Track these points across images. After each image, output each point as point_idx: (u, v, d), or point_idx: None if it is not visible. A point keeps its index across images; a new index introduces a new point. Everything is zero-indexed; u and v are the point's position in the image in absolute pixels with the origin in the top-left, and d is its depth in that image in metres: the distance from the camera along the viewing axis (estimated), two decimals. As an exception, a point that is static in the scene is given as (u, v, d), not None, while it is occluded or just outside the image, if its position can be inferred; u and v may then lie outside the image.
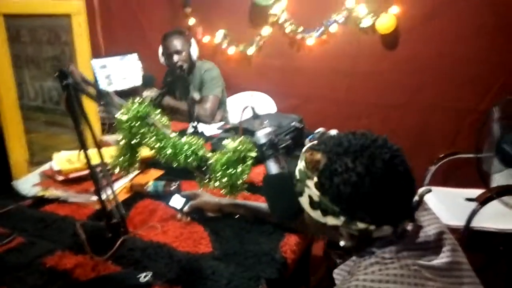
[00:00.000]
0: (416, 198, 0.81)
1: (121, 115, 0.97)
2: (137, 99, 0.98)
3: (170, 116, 2.54)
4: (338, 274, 0.86)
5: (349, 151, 0.76)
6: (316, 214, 0.80)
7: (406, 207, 0.79)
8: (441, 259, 0.79)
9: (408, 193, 0.79)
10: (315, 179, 0.78)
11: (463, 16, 2.50)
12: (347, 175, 0.74)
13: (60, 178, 1.60)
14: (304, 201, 0.83)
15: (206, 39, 3.33)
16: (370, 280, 0.73)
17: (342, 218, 0.77)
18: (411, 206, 0.80)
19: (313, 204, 0.80)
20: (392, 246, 0.77)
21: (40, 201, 1.48)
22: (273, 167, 0.93)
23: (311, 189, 0.79)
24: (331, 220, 0.78)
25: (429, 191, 0.83)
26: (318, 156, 0.79)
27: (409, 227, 0.80)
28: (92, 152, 1.18)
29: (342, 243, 0.81)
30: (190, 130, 2.28)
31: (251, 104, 0.98)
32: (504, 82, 2.48)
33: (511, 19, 2.39)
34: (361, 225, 0.76)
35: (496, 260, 1.98)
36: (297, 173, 0.84)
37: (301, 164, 0.84)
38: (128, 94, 3.10)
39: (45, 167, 1.70)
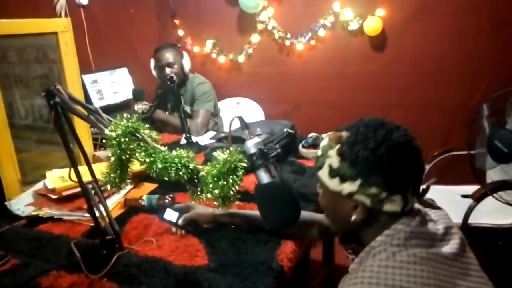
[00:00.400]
0: (423, 186, 0.87)
1: (110, 132, 0.97)
2: (126, 114, 0.98)
3: (161, 129, 2.55)
4: (351, 269, 0.89)
5: (369, 125, 0.85)
6: (334, 183, 0.85)
7: (416, 182, 0.85)
8: (449, 250, 0.84)
9: (418, 167, 0.85)
10: (337, 147, 0.85)
11: (447, 16, 2.54)
12: (366, 142, 0.82)
13: (54, 196, 1.59)
14: (323, 173, 0.88)
15: (196, 49, 3.34)
16: (377, 265, 0.79)
17: (358, 182, 0.82)
18: (419, 184, 0.85)
19: (332, 172, 0.85)
20: (401, 233, 0.82)
21: (35, 220, 1.46)
22: (264, 177, 0.93)
23: (331, 158, 0.85)
24: (347, 187, 0.83)
25: (436, 181, 0.92)
26: (342, 133, 0.87)
27: (418, 217, 0.85)
28: (84, 169, 1.18)
29: (353, 217, 0.86)
30: (183, 141, 2.28)
31: (239, 114, 0.98)
32: (492, 79, 2.51)
33: (493, 18, 2.43)
34: (374, 190, 0.81)
35: (496, 255, 1.98)
36: (319, 151, 0.90)
37: (324, 141, 0.90)
38: (120, 108, 3.10)
39: (38, 186, 1.69)
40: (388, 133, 0.83)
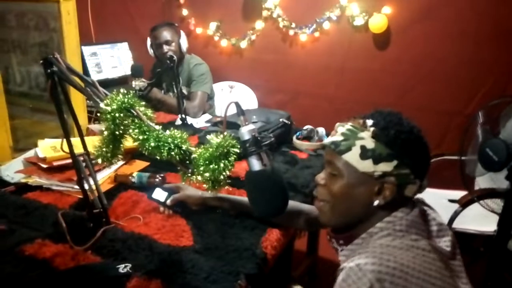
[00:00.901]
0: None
1: (105, 106, 0.96)
2: (122, 90, 0.97)
3: (157, 107, 2.54)
4: (344, 255, 0.93)
5: (393, 114, 0.91)
6: (366, 165, 0.86)
7: (428, 171, 0.90)
8: (445, 247, 0.89)
9: (430, 158, 0.91)
10: (372, 129, 0.88)
11: (449, 20, 2.54)
12: (400, 126, 0.87)
13: (44, 165, 1.58)
14: (352, 155, 0.88)
15: (198, 30, 3.31)
16: (379, 245, 0.83)
17: (394, 162, 0.85)
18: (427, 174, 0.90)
19: (365, 153, 0.87)
20: (402, 220, 0.87)
21: (23, 188, 1.46)
22: (255, 164, 0.93)
23: (365, 139, 0.87)
24: (382, 167, 0.86)
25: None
26: (362, 120, 0.91)
27: (417, 209, 0.90)
28: (76, 141, 1.17)
29: (376, 202, 0.88)
30: (179, 122, 2.27)
31: (235, 100, 0.98)
32: (490, 86, 2.52)
33: (495, 25, 2.43)
34: (407, 171, 0.86)
35: (476, 260, 2.02)
36: (339, 136, 0.91)
37: (344, 128, 0.92)
38: (117, 82, 3.08)
39: (30, 153, 1.68)
40: (410, 121, 0.91)
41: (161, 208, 1.33)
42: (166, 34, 2.63)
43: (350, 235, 0.94)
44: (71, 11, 1.75)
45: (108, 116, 0.95)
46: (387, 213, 0.89)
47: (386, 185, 0.87)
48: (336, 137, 0.92)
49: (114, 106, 0.94)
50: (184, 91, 2.73)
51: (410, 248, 0.82)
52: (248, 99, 3.14)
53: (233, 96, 3.12)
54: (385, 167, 0.86)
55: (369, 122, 0.89)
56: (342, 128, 0.92)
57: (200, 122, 2.40)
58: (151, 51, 2.72)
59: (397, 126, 0.87)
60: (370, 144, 0.87)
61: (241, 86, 3.22)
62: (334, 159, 0.91)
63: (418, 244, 0.83)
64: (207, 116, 2.57)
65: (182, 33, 2.72)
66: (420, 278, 0.78)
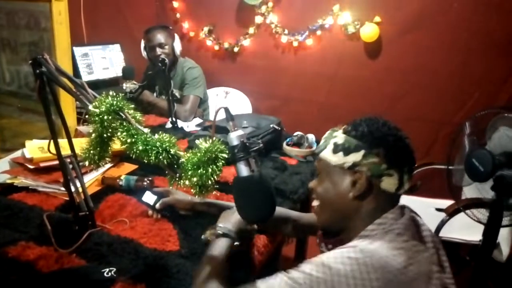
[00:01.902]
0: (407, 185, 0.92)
1: (93, 108, 0.95)
2: (111, 92, 0.97)
3: (148, 110, 2.53)
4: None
5: (369, 117, 0.95)
6: (337, 158, 0.92)
7: (410, 165, 0.91)
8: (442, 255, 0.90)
9: (412, 154, 0.92)
10: (344, 127, 0.95)
11: (439, 30, 2.58)
12: (371, 123, 0.92)
13: (31, 166, 1.56)
14: (326, 152, 0.94)
15: (191, 34, 3.31)
16: (383, 245, 0.82)
17: (362, 152, 0.88)
18: (412, 171, 0.92)
19: (336, 148, 0.92)
20: (398, 224, 0.87)
21: (9, 188, 1.44)
22: (243, 170, 0.92)
23: (337, 137, 0.94)
24: (351, 158, 0.89)
25: (421, 184, 0.94)
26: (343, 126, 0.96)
27: (407, 215, 0.91)
28: (64, 142, 1.16)
29: (351, 194, 0.91)
30: (169, 125, 2.26)
31: (225, 105, 0.98)
32: (478, 97, 2.55)
33: (484, 37, 2.47)
34: (376, 159, 0.88)
35: (462, 269, 2.04)
36: (322, 140, 0.98)
37: (326, 133, 0.99)
38: (108, 84, 3.07)
39: (16, 154, 1.66)
40: (388, 121, 0.94)
41: (150, 212, 1.32)
42: (160, 37, 2.63)
43: (340, 240, 0.95)
44: (63, 11, 1.74)
45: (96, 118, 0.94)
46: (372, 212, 0.90)
47: (358, 174, 0.90)
48: (321, 141, 0.99)
49: (103, 108, 0.94)
50: (177, 94, 2.72)
51: (392, 243, 0.82)
52: (243, 105, 3.14)
53: (227, 102, 3.12)
54: (354, 157, 0.89)
55: (349, 124, 0.95)
56: (325, 134, 0.99)
57: (190, 125, 2.40)
58: (144, 54, 2.71)
59: (369, 122, 0.92)
60: (341, 139, 0.92)
61: (235, 92, 3.22)
62: (318, 163, 0.99)
63: (418, 249, 0.84)
64: (197, 120, 2.57)
65: (176, 37, 2.72)
66: (415, 279, 0.79)
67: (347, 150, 0.91)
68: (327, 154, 0.94)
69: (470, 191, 1.89)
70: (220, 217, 1.16)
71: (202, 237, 1.11)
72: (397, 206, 0.92)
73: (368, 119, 0.94)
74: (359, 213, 0.92)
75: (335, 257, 0.81)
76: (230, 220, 1.13)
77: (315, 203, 1.01)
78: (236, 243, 1.09)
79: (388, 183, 0.89)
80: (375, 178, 0.89)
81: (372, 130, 0.91)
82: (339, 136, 0.93)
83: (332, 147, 0.93)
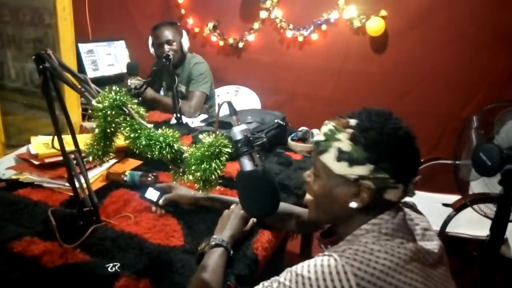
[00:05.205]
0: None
1: (97, 103, 0.95)
2: (114, 87, 0.97)
3: (153, 107, 2.53)
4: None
5: (380, 114, 0.86)
6: (341, 167, 0.84)
7: (415, 175, 0.86)
8: (433, 249, 0.87)
9: (419, 160, 0.87)
10: (349, 131, 0.84)
11: (446, 24, 2.54)
12: (381, 129, 0.83)
13: (36, 162, 1.57)
14: (328, 157, 0.86)
15: (196, 30, 3.30)
16: (363, 244, 0.80)
17: (369, 166, 0.82)
18: (416, 178, 0.87)
19: (341, 155, 0.84)
20: (388, 223, 0.84)
21: (14, 184, 1.45)
22: (246, 164, 0.92)
23: (342, 141, 0.84)
24: (356, 170, 0.82)
25: (420, 178, 0.92)
26: (347, 119, 0.87)
27: (402, 213, 0.87)
28: (69, 138, 1.16)
29: (353, 204, 0.85)
30: (173, 121, 2.26)
31: (228, 100, 0.97)
32: (487, 91, 2.52)
33: (493, 31, 2.43)
34: (384, 175, 0.81)
35: (469, 265, 2.02)
36: (322, 136, 0.89)
37: (326, 128, 0.89)
38: (113, 80, 3.07)
39: (22, 150, 1.67)
40: (399, 122, 0.86)
41: (153, 208, 1.32)
42: (167, 34, 2.62)
43: (335, 240, 0.93)
44: (67, 7, 1.74)
45: (100, 113, 0.94)
46: (370, 215, 0.86)
47: (363, 188, 0.84)
48: (319, 136, 0.90)
49: (106, 104, 0.93)
50: (183, 90, 2.72)
51: (388, 250, 0.79)
52: (252, 102, 3.12)
53: (237, 100, 3.10)
54: (361, 170, 0.82)
55: (353, 122, 0.86)
56: (325, 128, 0.90)
57: (195, 121, 2.39)
58: (152, 50, 2.70)
59: (379, 128, 0.83)
60: (346, 146, 0.84)
61: (245, 90, 3.20)
62: (316, 160, 0.91)
63: (406, 246, 0.81)
64: (203, 116, 2.56)
65: (184, 33, 2.71)
66: (400, 281, 0.76)
67: (353, 162, 0.82)
68: (329, 160, 0.86)
69: (477, 186, 1.87)
70: (217, 226, 1.18)
71: (198, 249, 1.11)
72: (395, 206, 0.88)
73: (377, 118, 0.85)
74: (354, 217, 0.88)
75: (309, 265, 0.79)
76: (224, 229, 1.14)
77: (308, 196, 0.97)
78: (231, 252, 1.09)
79: (393, 195, 0.84)
80: (379, 191, 0.83)
81: (382, 141, 0.82)
82: (345, 142, 0.84)
83: (336, 154, 0.84)
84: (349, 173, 0.83)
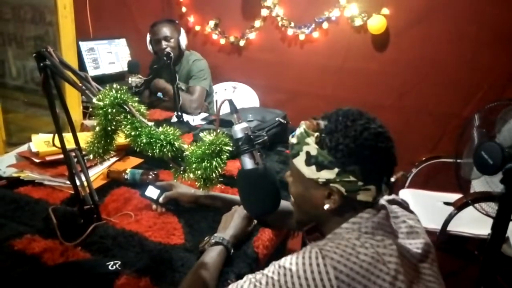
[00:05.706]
0: (392, 179, 0.87)
1: (97, 101, 0.95)
2: (115, 85, 0.96)
3: (154, 105, 2.53)
4: None
5: (348, 115, 0.85)
6: (310, 171, 0.85)
7: (389, 173, 0.86)
8: (415, 249, 0.86)
9: (392, 158, 0.86)
10: (316, 135, 0.85)
11: (447, 23, 2.53)
12: (346, 131, 0.82)
13: (37, 160, 1.57)
14: (299, 160, 0.87)
15: (197, 28, 3.30)
16: (346, 239, 0.80)
17: (335, 170, 0.82)
18: (391, 175, 0.86)
19: (309, 159, 0.84)
20: (368, 222, 0.83)
21: (15, 182, 1.45)
22: (247, 163, 0.92)
23: (310, 145, 0.85)
24: (324, 174, 0.83)
25: (404, 174, 0.88)
26: (318, 121, 0.87)
27: (384, 211, 0.87)
28: (70, 136, 1.16)
29: (327, 206, 0.86)
30: (174, 119, 2.26)
31: (229, 98, 0.97)
32: (488, 89, 2.52)
33: (494, 30, 2.43)
34: (351, 178, 0.81)
35: (470, 263, 2.02)
36: (294, 139, 0.89)
37: (299, 130, 0.89)
38: (114, 79, 3.07)
39: (23, 148, 1.67)
40: (367, 122, 0.84)
41: (154, 206, 1.32)
42: (165, 30, 2.62)
43: (317, 237, 0.94)
44: (68, 5, 1.74)
45: (100, 111, 0.94)
46: (347, 216, 0.86)
47: (333, 191, 0.84)
48: (294, 139, 0.90)
49: (107, 102, 0.93)
50: (183, 87, 2.72)
51: (374, 249, 0.79)
52: (251, 99, 3.12)
53: (235, 96, 3.11)
54: (328, 174, 0.83)
55: (321, 124, 0.86)
56: (298, 130, 0.90)
57: (196, 119, 2.39)
58: (150, 47, 2.71)
59: (344, 130, 0.83)
60: (313, 150, 0.84)
61: (243, 87, 3.20)
62: (290, 162, 0.92)
63: (385, 244, 0.80)
64: (203, 114, 2.56)
65: (182, 30, 2.71)
66: (379, 277, 0.76)
67: (320, 165, 0.83)
68: (300, 164, 0.87)
69: (478, 184, 1.86)
70: (220, 225, 1.18)
71: (199, 247, 1.11)
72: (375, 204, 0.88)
73: (343, 119, 0.85)
74: (332, 218, 0.89)
75: (291, 258, 0.80)
76: (227, 228, 1.14)
77: (291, 197, 0.97)
78: (231, 251, 1.09)
79: (365, 196, 0.84)
80: (350, 193, 0.83)
81: (347, 142, 0.81)
82: (312, 146, 0.85)
83: (305, 157, 0.85)
84: (317, 177, 0.84)
